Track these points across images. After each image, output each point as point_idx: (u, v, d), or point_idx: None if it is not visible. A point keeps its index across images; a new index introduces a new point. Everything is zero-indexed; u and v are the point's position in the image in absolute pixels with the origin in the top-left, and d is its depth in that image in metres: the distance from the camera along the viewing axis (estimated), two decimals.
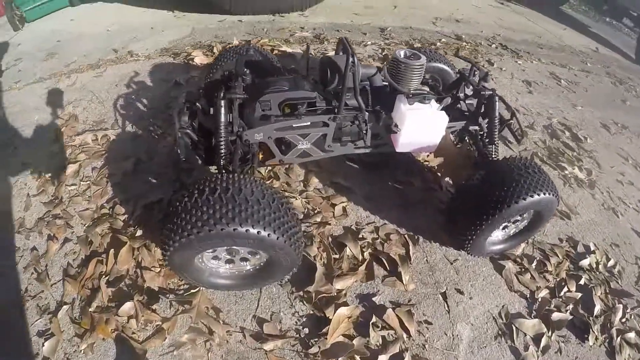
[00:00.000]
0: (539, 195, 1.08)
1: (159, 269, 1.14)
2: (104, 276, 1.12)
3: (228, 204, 0.85)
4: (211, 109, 1.11)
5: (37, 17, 2.92)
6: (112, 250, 1.17)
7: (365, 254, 1.26)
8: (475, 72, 1.32)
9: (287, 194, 1.40)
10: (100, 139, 1.60)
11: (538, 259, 1.38)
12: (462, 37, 3.00)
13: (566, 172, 1.82)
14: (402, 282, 1.20)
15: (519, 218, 1.22)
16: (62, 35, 2.57)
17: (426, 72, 1.58)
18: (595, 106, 2.55)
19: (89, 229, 1.25)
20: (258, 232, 0.85)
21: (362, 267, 1.22)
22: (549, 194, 1.10)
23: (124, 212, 1.31)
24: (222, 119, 1.06)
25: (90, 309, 1.05)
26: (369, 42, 2.67)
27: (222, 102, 1.06)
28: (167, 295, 1.10)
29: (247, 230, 0.84)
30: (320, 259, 1.22)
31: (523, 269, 1.33)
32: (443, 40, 2.81)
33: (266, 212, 0.87)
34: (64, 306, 1.07)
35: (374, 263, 1.25)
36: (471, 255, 1.30)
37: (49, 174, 1.44)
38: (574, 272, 1.37)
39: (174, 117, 1.09)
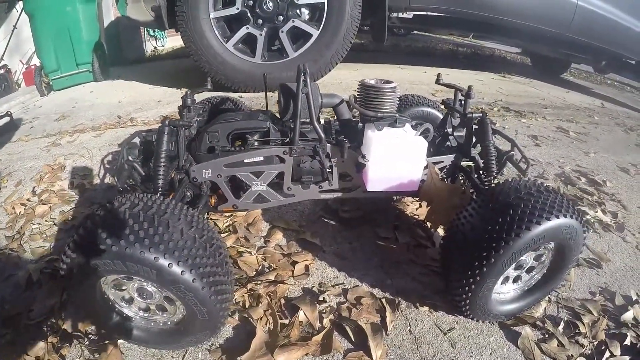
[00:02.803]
0: (556, 218, 0.80)
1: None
2: (26, 312, 1.02)
3: (130, 219, 0.70)
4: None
5: (62, 87, 3.29)
6: (43, 289, 1.09)
7: (325, 321, 1.01)
8: (461, 99, 1.19)
9: (241, 249, 1.23)
10: (76, 187, 1.63)
11: (566, 319, 1.08)
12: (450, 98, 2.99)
13: (588, 216, 1.60)
14: (371, 359, 0.92)
15: (533, 263, 0.96)
16: (78, 103, 2.89)
17: (413, 119, 1.52)
18: (610, 152, 2.40)
19: (32, 265, 1.19)
20: (155, 258, 0.68)
21: (318, 337, 0.95)
22: (570, 216, 0.82)
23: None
24: (164, 146, 0.96)
25: (5, 342, 0.95)
26: None
27: (166, 129, 0.97)
28: (80, 340, 0.93)
29: (141, 253, 0.67)
30: (266, 323, 0.99)
31: (547, 335, 1.03)
32: (441, 107, 2.81)
33: (174, 238, 0.71)
34: None
35: (335, 333, 0.98)
36: (474, 319, 1.01)
37: (20, 211, 1.49)
38: (616, 330, 1.07)
39: (121, 150, 1.03)
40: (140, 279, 0.76)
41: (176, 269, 0.69)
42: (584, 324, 1.07)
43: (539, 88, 4.14)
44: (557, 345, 1.00)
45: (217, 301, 0.75)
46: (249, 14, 2.38)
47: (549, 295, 1.11)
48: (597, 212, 1.62)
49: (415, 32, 5.46)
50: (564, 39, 3.46)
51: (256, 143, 1.06)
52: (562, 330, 1.05)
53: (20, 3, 3.27)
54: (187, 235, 0.73)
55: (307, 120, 1.00)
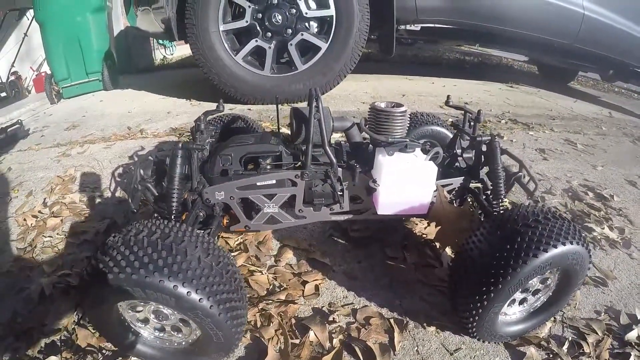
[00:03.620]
0: (562, 245, 0.82)
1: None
2: (39, 327, 1.04)
3: (149, 247, 0.72)
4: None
5: (72, 95, 3.34)
6: (55, 303, 1.10)
7: (335, 341, 1.02)
8: (470, 121, 1.20)
9: (252, 268, 1.25)
10: (87, 200, 1.65)
11: (570, 339, 1.08)
12: (458, 117, 2.97)
13: (595, 233, 1.60)
14: None
15: (539, 286, 0.97)
16: (88, 112, 2.91)
17: (421, 137, 1.52)
18: (618, 165, 2.38)
19: (45, 279, 1.20)
20: (174, 287, 0.70)
21: (328, 357, 0.98)
22: (576, 243, 0.84)
23: (82, 268, 1.25)
24: (178, 169, 0.98)
25: (18, 356, 0.96)
26: None
27: (179, 152, 0.99)
28: (94, 354, 0.95)
29: (160, 281, 0.69)
30: (277, 343, 1.01)
31: (551, 355, 1.03)
32: (450, 120, 2.80)
33: (192, 267, 0.73)
34: None
35: (345, 352, 1.00)
36: (480, 340, 1.02)
37: (32, 223, 1.50)
38: (620, 349, 1.07)
39: (135, 170, 1.05)
40: (159, 305, 0.77)
41: (194, 297, 0.70)
42: (588, 344, 1.07)
43: (546, 98, 4.13)
44: None
45: (233, 325, 0.77)
46: (258, 27, 2.41)
47: (555, 315, 1.11)
48: (603, 228, 1.62)
49: (422, 41, 5.47)
50: (572, 49, 3.45)
51: (268, 167, 1.07)
52: (566, 351, 1.05)
53: (31, 11, 3.32)
54: (205, 263, 0.75)
55: (318, 144, 1.02)
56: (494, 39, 3.31)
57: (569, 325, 1.14)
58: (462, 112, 1.23)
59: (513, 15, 3.12)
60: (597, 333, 1.11)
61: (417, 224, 1.48)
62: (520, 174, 1.16)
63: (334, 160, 1.01)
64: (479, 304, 0.88)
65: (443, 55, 6.41)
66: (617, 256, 1.48)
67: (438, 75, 4.24)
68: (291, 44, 2.42)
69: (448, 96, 1.28)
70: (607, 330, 1.13)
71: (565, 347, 1.06)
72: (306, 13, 2.39)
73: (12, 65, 3.78)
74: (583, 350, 1.06)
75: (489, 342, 1.04)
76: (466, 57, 6.36)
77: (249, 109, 2.88)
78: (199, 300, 0.71)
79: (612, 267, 1.41)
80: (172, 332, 0.87)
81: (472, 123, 1.21)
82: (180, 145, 1.01)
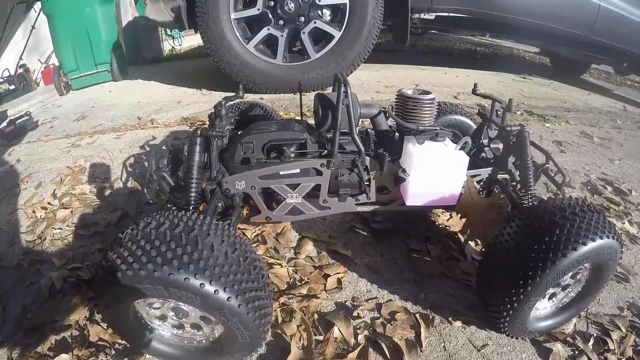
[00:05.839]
0: (600, 239, 0.80)
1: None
2: (50, 323, 1.01)
3: (172, 241, 0.67)
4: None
5: (81, 87, 3.31)
6: (66, 298, 1.08)
7: (359, 337, 0.99)
8: (499, 111, 1.16)
9: (271, 260, 1.21)
10: (98, 190, 1.62)
11: (595, 335, 1.05)
12: (485, 107, 2.92)
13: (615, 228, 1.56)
14: None
15: (570, 281, 0.95)
16: (97, 103, 2.89)
17: (445, 126, 1.48)
18: (634, 158, 2.34)
19: (55, 272, 1.17)
20: (201, 285, 0.65)
21: (353, 354, 0.94)
22: (612, 237, 0.82)
23: (93, 261, 1.23)
24: (196, 157, 0.94)
25: (28, 353, 0.93)
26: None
27: (198, 140, 0.94)
28: (106, 350, 0.93)
29: (185, 279, 0.64)
30: (299, 339, 0.97)
31: (577, 351, 1.01)
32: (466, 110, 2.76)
33: (219, 263, 0.68)
34: (5, 345, 0.97)
35: (371, 349, 0.96)
36: (509, 335, 0.99)
37: (41, 215, 1.47)
38: None
39: (150, 159, 1.01)
40: (179, 302, 0.74)
41: (222, 295, 0.66)
42: (612, 340, 1.05)
43: (560, 90, 4.06)
44: None
45: (260, 324, 0.74)
46: (270, 15, 2.36)
47: (582, 311, 1.08)
48: (624, 223, 1.59)
49: (433, 31, 5.38)
50: (586, 40, 3.38)
51: (292, 155, 1.03)
52: (591, 347, 1.03)
53: (39, 3, 3.28)
54: (232, 259, 0.70)
55: (345, 131, 0.97)
56: (508, 29, 3.23)
57: (593, 321, 1.11)
58: (488, 101, 1.19)
59: (528, 5, 3.05)
60: (620, 329, 1.09)
61: (439, 216, 1.45)
62: (547, 165, 1.12)
63: (362, 148, 0.96)
64: (514, 298, 0.84)
65: (454, 45, 6.30)
66: (638, 252, 1.45)
67: (450, 66, 4.18)
68: (304, 32, 2.37)
69: (475, 84, 1.23)
70: (630, 326, 1.10)
71: (590, 344, 1.03)
72: (319, 0, 2.33)
73: (20, 58, 3.75)
74: (608, 347, 1.03)
75: (516, 338, 1.01)
76: (477, 47, 6.25)
77: (261, 98, 2.83)
78: (227, 299, 0.66)
79: (633, 263, 1.38)
80: (192, 330, 0.83)
81: (499, 112, 1.16)
82: (199, 132, 0.96)
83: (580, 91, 4.19)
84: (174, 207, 1.01)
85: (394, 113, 1.04)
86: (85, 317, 1.03)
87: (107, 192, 1.62)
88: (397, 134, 1.09)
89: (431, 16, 2.87)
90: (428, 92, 1.05)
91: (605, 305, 1.18)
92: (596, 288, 0.96)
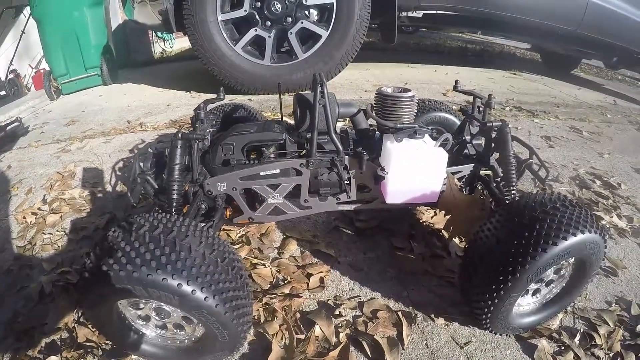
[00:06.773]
0: (581, 233, 0.80)
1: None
2: (40, 326, 1.02)
3: (151, 243, 0.69)
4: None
5: (71, 91, 3.31)
6: (56, 302, 1.08)
7: (341, 335, 0.99)
8: (480, 106, 1.16)
9: (255, 261, 1.21)
10: (87, 195, 1.62)
11: (582, 330, 1.06)
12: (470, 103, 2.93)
13: (603, 222, 1.57)
14: None
15: (553, 276, 0.94)
16: (87, 107, 2.89)
17: (429, 124, 1.48)
18: (624, 152, 2.35)
19: (45, 277, 1.18)
20: (178, 285, 0.66)
21: (334, 353, 0.94)
22: (594, 232, 0.82)
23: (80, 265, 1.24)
24: (178, 160, 0.94)
25: (19, 356, 0.94)
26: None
27: (179, 143, 0.95)
28: (94, 351, 0.93)
29: (163, 280, 0.66)
30: (281, 338, 0.98)
31: (563, 347, 1.01)
32: (454, 108, 2.76)
33: (197, 263, 0.70)
34: None
35: (352, 348, 0.97)
36: (492, 332, 0.99)
37: (31, 221, 1.48)
38: (631, 341, 1.05)
39: (133, 162, 1.01)
40: (160, 303, 0.75)
41: (200, 295, 0.67)
42: (600, 336, 1.05)
43: (550, 85, 4.07)
44: (574, 358, 0.98)
45: (239, 324, 0.74)
46: (257, 16, 2.37)
47: (567, 307, 1.08)
48: (612, 217, 1.59)
49: (423, 29, 5.39)
50: (576, 35, 3.40)
51: (272, 155, 1.03)
52: (578, 342, 1.03)
53: (28, 8, 3.27)
54: (210, 260, 0.72)
55: (324, 131, 0.98)
56: (496, 25, 3.25)
57: (580, 316, 1.11)
58: (471, 97, 1.20)
59: (516, 1, 3.06)
60: (608, 324, 1.09)
61: (423, 213, 1.45)
62: (531, 161, 1.13)
63: (341, 147, 0.97)
64: (495, 294, 0.85)
65: (445, 43, 6.32)
66: (627, 245, 1.45)
67: (440, 63, 4.19)
68: (291, 33, 2.38)
69: (456, 81, 1.24)
70: (618, 321, 1.11)
71: (577, 339, 1.03)
72: (306, 1, 2.34)
73: (11, 63, 3.74)
74: (595, 342, 1.03)
75: (500, 335, 1.01)
76: (468, 45, 6.27)
77: (250, 100, 2.84)
78: (204, 298, 0.68)
79: (622, 257, 1.39)
80: (175, 330, 0.85)
81: (481, 109, 1.17)
82: (179, 135, 0.97)
83: (571, 86, 4.21)
84: (159, 210, 1.02)
85: (373, 112, 1.04)
86: (74, 319, 1.04)
87: (97, 196, 1.63)
88: (377, 132, 1.09)
89: (419, 14, 2.88)
90: (408, 90, 1.05)
91: (592, 300, 1.18)
92: (580, 284, 0.95)
